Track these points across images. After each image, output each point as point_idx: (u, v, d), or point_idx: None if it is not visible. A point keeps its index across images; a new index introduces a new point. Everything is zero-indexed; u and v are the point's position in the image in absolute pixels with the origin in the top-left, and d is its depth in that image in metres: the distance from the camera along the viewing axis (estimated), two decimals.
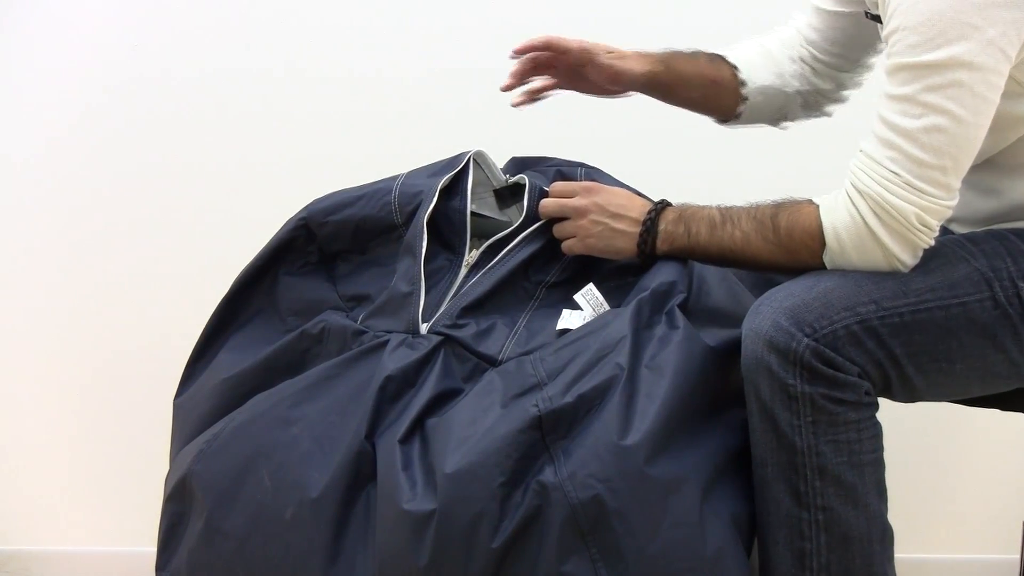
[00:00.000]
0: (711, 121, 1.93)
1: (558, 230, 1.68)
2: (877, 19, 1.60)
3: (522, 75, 1.79)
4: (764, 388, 1.47)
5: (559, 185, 1.70)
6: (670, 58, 1.82)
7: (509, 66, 1.77)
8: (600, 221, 1.64)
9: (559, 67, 1.81)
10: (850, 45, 1.85)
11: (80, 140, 2.48)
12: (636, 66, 1.79)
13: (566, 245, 1.67)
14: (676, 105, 1.88)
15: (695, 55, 1.85)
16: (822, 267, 1.55)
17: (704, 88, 1.84)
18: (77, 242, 2.50)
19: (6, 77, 2.48)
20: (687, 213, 1.63)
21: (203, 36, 2.45)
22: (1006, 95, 1.48)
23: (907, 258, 1.51)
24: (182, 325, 1.86)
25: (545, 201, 1.68)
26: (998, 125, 1.51)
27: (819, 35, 1.85)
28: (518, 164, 1.80)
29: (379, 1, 2.44)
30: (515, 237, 1.68)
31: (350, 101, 2.45)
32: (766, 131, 2.38)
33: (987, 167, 1.63)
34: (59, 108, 2.48)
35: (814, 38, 1.86)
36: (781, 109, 1.90)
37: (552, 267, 1.68)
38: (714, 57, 1.86)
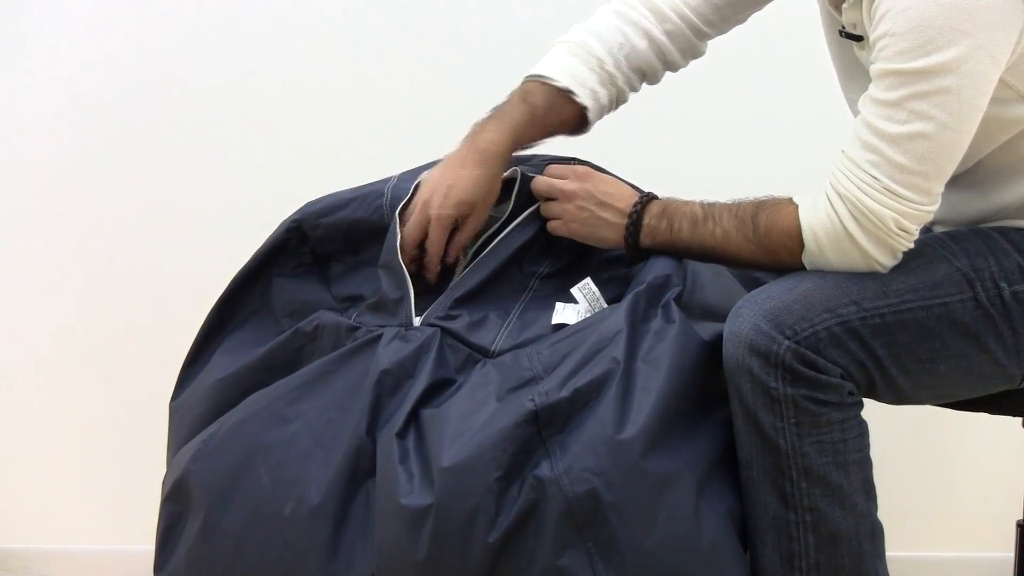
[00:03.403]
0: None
1: (544, 209, 1.68)
2: (851, 37, 1.60)
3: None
4: (746, 391, 1.48)
5: (554, 168, 1.71)
6: (516, 140, 1.71)
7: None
8: (586, 207, 1.65)
9: None
10: (731, 19, 1.83)
11: (77, 141, 2.49)
12: (500, 178, 1.72)
13: (550, 226, 1.68)
14: None
15: (533, 114, 1.72)
16: (802, 267, 1.55)
17: (548, 136, 1.78)
18: (77, 244, 2.51)
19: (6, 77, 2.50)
20: (671, 208, 1.62)
21: (201, 37, 2.47)
22: (997, 99, 1.48)
23: (885, 260, 1.51)
24: (182, 323, 1.86)
25: (538, 178, 1.69)
26: (988, 129, 1.51)
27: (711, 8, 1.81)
28: (511, 162, 1.79)
29: (376, 3, 2.46)
30: (506, 226, 1.69)
31: (347, 104, 2.47)
32: (762, 128, 2.41)
33: (974, 168, 1.62)
34: (55, 110, 2.49)
35: (706, 11, 1.81)
36: (616, 108, 1.84)
37: (545, 258, 1.69)
38: (551, 97, 1.74)
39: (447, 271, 1.70)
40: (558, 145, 1.80)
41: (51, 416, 2.56)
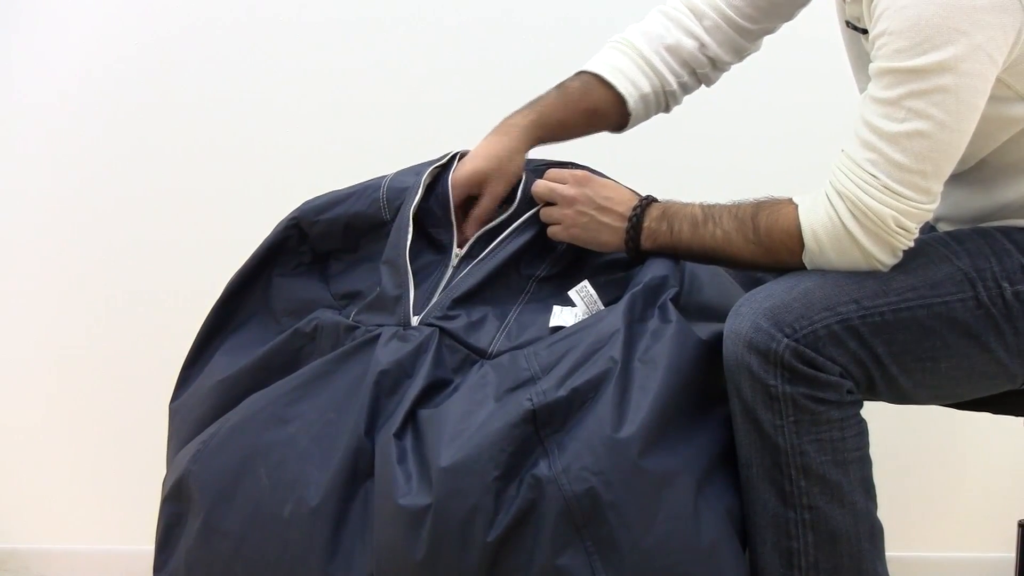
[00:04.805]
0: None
1: (545, 214, 1.69)
2: (856, 28, 1.60)
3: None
4: (746, 389, 1.48)
5: (554, 172, 1.71)
6: (540, 117, 1.78)
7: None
8: (586, 212, 1.65)
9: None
10: (773, 15, 1.86)
11: (73, 141, 2.50)
12: (519, 153, 1.75)
13: (551, 231, 1.68)
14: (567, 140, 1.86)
15: (564, 94, 1.80)
16: (802, 267, 1.55)
17: (586, 121, 1.83)
18: (77, 245, 2.52)
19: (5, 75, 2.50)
20: (671, 210, 1.63)
21: (198, 39, 2.47)
22: (996, 98, 1.48)
23: (886, 258, 1.52)
24: (183, 322, 1.86)
25: (538, 182, 1.70)
26: (988, 128, 1.51)
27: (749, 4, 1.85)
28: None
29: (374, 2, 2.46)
30: (506, 227, 1.69)
31: (345, 103, 2.47)
32: (762, 128, 2.40)
33: (977, 167, 1.63)
34: (53, 111, 2.49)
35: (741, 5, 1.84)
36: (666, 104, 1.90)
37: (542, 261, 1.69)
38: (587, 81, 1.82)
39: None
40: (558, 150, 1.81)
41: (51, 416, 2.56)
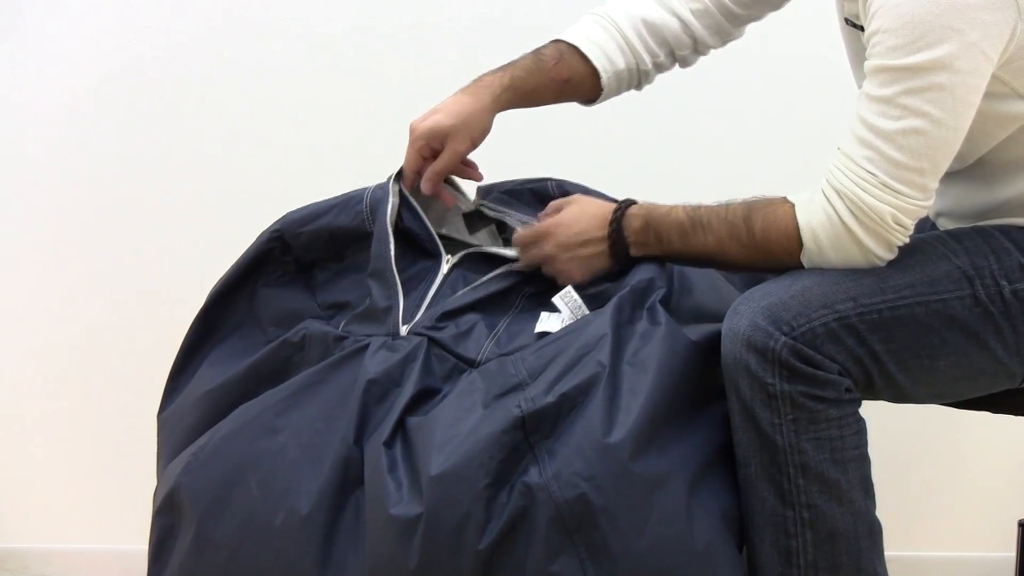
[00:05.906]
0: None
1: (545, 273, 1.67)
2: (854, 26, 1.59)
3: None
4: (744, 388, 1.48)
5: (518, 237, 1.69)
6: (513, 81, 1.77)
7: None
8: (572, 256, 1.64)
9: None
10: (764, 2, 1.85)
11: (67, 144, 2.50)
12: (487, 114, 1.76)
13: (560, 281, 1.66)
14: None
15: (539, 60, 1.80)
16: (800, 267, 1.55)
17: (557, 90, 1.82)
18: (79, 250, 2.52)
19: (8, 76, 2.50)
20: (654, 218, 1.61)
21: (199, 35, 2.46)
22: (992, 95, 1.48)
23: (884, 253, 1.51)
24: (183, 324, 1.83)
25: (518, 264, 1.69)
26: (986, 125, 1.51)
27: None
28: (485, 189, 1.81)
29: (366, 12, 2.45)
30: (504, 264, 1.69)
31: (344, 108, 2.47)
32: (758, 129, 2.38)
33: (978, 164, 1.62)
34: (53, 111, 2.49)
35: None
36: (639, 82, 1.89)
37: (532, 279, 1.68)
38: (563, 51, 1.81)
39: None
40: (536, 164, 1.80)
41: (51, 416, 2.57)
